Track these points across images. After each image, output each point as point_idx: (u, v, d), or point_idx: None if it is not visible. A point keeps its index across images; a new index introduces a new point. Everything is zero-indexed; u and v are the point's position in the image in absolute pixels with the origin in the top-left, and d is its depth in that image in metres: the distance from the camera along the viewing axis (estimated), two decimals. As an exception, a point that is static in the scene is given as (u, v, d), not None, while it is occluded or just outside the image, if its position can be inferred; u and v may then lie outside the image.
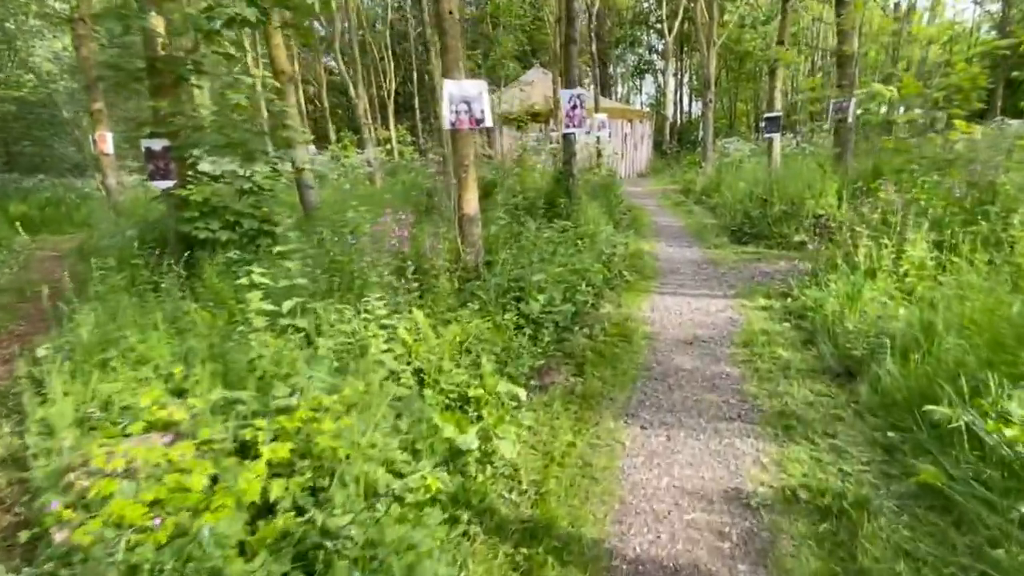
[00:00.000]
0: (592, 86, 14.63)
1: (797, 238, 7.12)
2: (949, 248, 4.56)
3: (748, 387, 3.47)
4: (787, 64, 12.01)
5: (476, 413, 2.85)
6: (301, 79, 26.37)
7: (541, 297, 3.97)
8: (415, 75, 24.18)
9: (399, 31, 26.41)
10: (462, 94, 4.17)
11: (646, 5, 34.33)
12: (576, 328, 4.41)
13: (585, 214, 6.88)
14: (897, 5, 19.24)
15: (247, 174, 5.50)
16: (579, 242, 6.10)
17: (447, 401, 2.92)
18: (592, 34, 35.69)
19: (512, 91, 23.50)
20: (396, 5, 26.55)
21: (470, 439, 2.49)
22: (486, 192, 7.07)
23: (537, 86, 21.68)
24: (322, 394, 2.37)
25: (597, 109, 13.64)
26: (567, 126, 6.62)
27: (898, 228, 4.87)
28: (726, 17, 27.73)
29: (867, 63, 28.77)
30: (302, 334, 3.06)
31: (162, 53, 5.21)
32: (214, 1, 4.71)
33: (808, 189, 7.42)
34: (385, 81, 21.65)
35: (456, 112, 4.16)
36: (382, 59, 21.70)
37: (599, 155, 13.34)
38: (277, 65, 7.02)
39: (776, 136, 11.47)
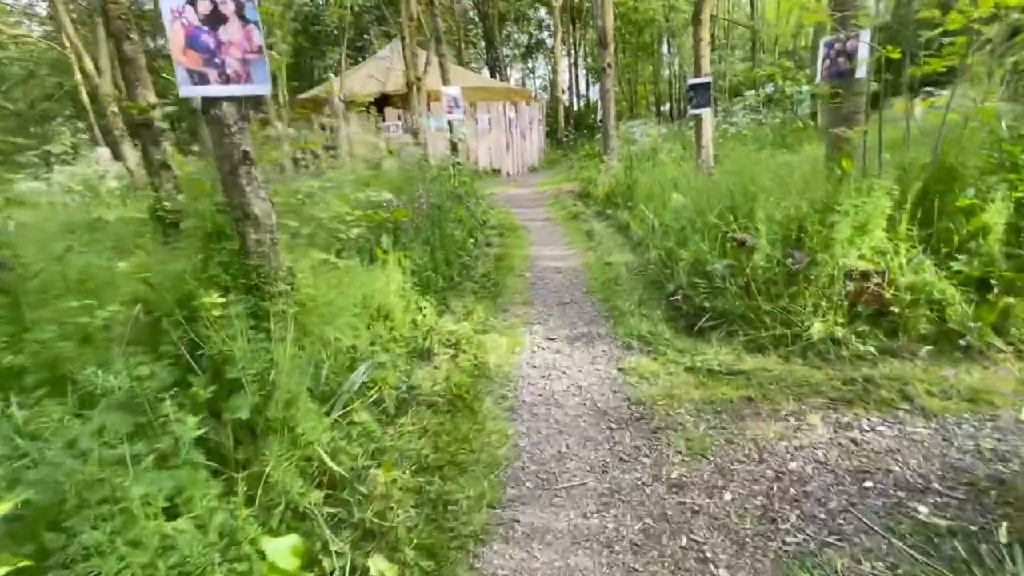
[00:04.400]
0: (443, 53, 10.27)
1: (817, 326, 3.17)
2: None
3: None
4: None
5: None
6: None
7: None
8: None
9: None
10: None
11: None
12: None
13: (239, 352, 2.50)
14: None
15: None
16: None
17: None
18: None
19: (366, 69, 18.70)
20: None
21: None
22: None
23: (396, 62, 17.03)
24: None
25: (446, 81, 9.29)
26: (191, 77, 2.20)
27: None
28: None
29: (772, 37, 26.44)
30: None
31: None
32: None
33: (820, 213, 3.50)
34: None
35: None
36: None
37: (454, 148, 9.04)
38: None
39: (707, 112, 7.72)
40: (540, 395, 3.05)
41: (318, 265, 3.42)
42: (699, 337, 3.55)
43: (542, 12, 32.18)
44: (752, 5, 23.78)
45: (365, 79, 17.68)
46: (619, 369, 3.27)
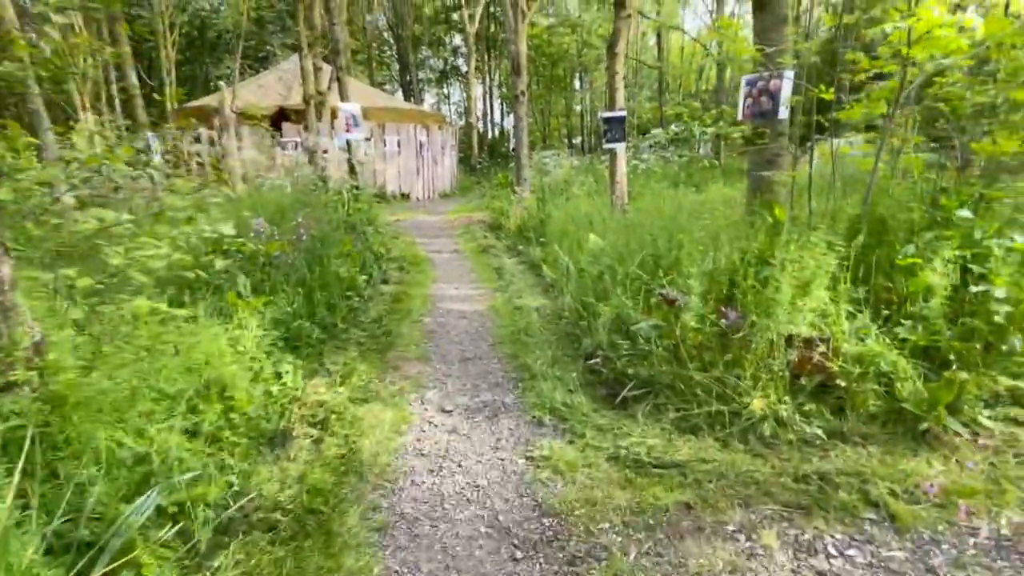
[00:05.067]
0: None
1: (757, 401, 2.70)
2: None
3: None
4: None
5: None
6: None
7: None
8: None
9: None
10: None
11: (448, 1, 30.31)
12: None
13: None
14: None
15: None
16: None
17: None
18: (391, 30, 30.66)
19: (266, 79, 17.35)
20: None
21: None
22: None
23: (299, 75, 15.84)
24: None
25: (344, 97, 8.48)
26: None
27: None
28: (533, 17, 24.75)
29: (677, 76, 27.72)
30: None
31: None
32: None
33: (754, 267, 3.08)
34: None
35: None
36: None
37: (352, 171, 8.21)
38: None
39: (621, 148, 7.46)
40: (425, 502, 2.32)
41: (147, 316, 2.55)
42: (622, 410, 2.98)
43: (457, 39, 32.04)
44: (659, 47, 24.86)
45: (264, 90, 16.38)
46: (528, 458, 2.62)
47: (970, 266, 2.96)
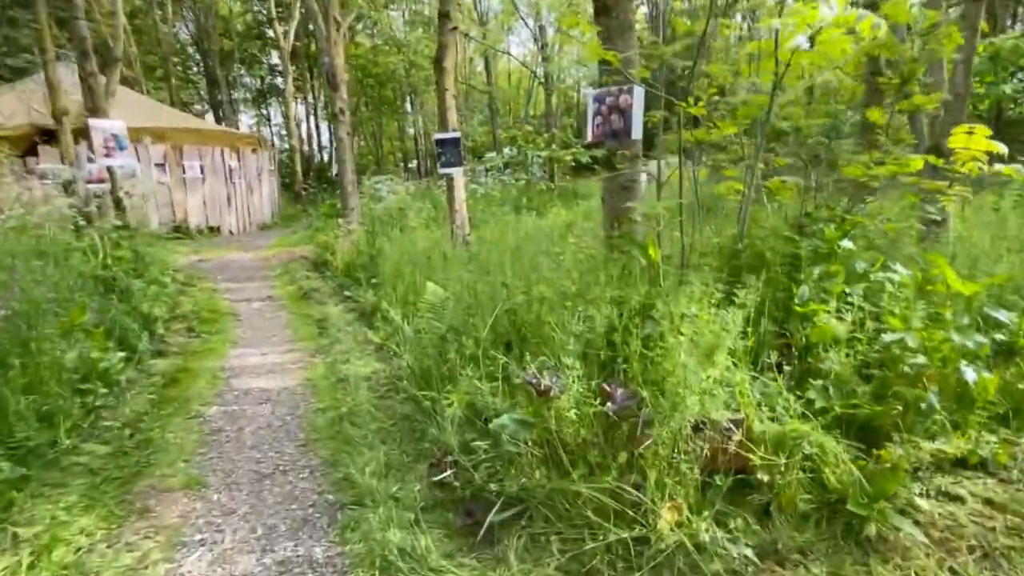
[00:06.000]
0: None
1: (666, 516, 1.96)
2: None
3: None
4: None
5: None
6: None
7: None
8: None
9: None
10: None
11: (260, 15, 27.82)
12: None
13: None
14: None
15: None
16: None
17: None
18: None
19: (15, 92, 13.92)
20: None
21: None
22: None
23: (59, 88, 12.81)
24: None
25: (98, 111, 6.64)
26: None
27: None
28: (358, 39, 23.62)
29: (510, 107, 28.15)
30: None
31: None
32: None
33: (634, 324, 2.40)
34: None
35: None
36: None
37: (118, 205, 6.41)
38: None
39: (458, 172, 6.71)
40: None
41: None
42: (487, 548, 2.08)
43: (275, 57, 29.49)
44: (487, 72, 25.04)
45: (12, 106, 13.09)
46: None
47: (863, 305, 2.56)
